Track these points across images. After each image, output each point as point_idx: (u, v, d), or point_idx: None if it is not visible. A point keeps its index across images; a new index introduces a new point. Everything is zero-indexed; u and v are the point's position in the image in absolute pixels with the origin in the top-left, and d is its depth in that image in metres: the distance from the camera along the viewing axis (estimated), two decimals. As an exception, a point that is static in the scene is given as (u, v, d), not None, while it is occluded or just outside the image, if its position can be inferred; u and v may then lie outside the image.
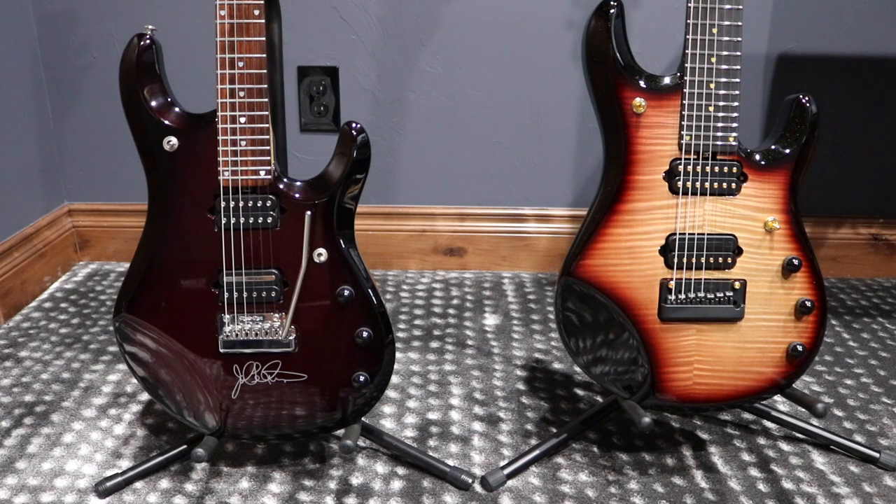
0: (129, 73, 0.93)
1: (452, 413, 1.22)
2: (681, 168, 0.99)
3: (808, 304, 1.01)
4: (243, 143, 0.93)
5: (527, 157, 1.73)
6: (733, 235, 1.01)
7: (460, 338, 1.47)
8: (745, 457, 1.12)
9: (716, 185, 1.00)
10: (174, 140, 0.94)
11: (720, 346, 1.03)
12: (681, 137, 0.98)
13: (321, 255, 0.96)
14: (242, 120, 0.93)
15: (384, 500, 1.02)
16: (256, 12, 0.90)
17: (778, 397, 1.24)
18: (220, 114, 0.92)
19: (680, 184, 0.99)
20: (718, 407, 1.10)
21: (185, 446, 1.07)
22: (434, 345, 1.44)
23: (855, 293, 1.70)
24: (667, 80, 0.98)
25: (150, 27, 0.94)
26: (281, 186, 0.96)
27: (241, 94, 0.92)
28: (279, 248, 0.97)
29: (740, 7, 0.95)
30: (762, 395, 1.06)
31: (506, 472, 1.06)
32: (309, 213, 0.95)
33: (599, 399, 1.27)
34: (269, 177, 0.94)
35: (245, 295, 0.97)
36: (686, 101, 0.97)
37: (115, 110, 1.67)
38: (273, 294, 0.97)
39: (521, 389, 1.29)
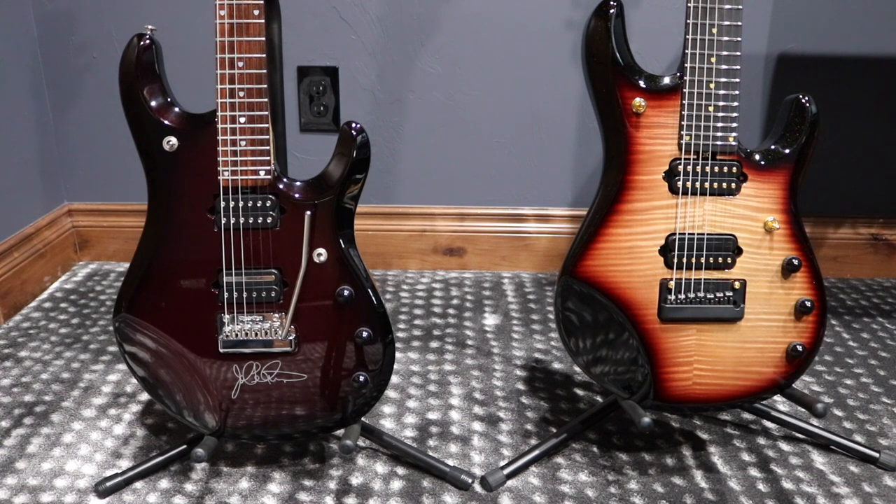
0: (129, 73, 0.93)
1: (452, 413, 1.22)
2: (680, 168, 0.99)
3: (808, 304, 1.01)
4: (243, 143, 0.93)
5: (527, 157, 1.73)
6: (733, 235, 1.01)
7: (460, 338, 1.47)
8: (745, 457, 1.12)
9: (715, 185, 1.00)
10: (174, 140, 0.94)
11: (720, 346, 1.03)
12: (680, 137, 0.98)
13: (321, 255, 0.96)
14: (242, 120, 0.93)
15: (384, 500, 1.02)
16: (256, 12, 0.90)
17: (778, 397, 1.24)
18: (219, 114, 0.92)
19: (680, 184, 0.99)
20: (718, 407, 1.10)
21: (184, 446, 1.07)
22: (434, 345, 1.44)
23: (855, 293, 1.70)
24: (667, 80, 0.98)
25: (149, 27, 0.94)
26: (281, 186, 0.96)
27: (241, 94, 0.92)
28: (279, 248, 0.97)
29: (740, 7, 0.95)
30: (762, 395, 1.06)
31: (505, 472, 1.06)
32: (309, 213, 0.95)
33: (599, 399, 1.27)
34: (268, 177, 0.94)
35: (245, 295, 0.97)
36: (686, 101, 0.97)
37: (115, 110, 1.67)
38: (273, 294, 0.97)
39: (520, 389, 1.29)
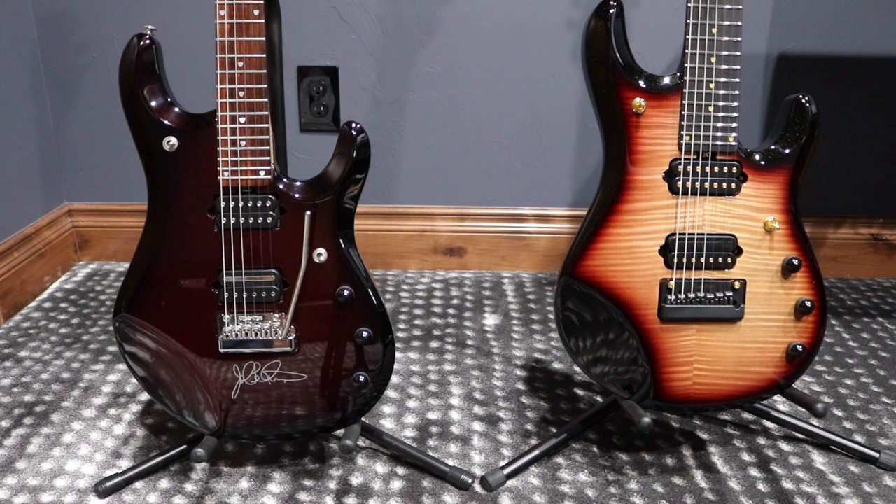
0: (129, 73, 0.93)
1: (452, 413, 1.22)
2: (680, 168, 0.99)
3: (808, 304, 1.01)
4: (243, 143, 0.93)
5: (527, 157, 1.73)
6: (733, 235, 1.01)
7: (460, 338, 1.47)
8: (745, 457, 1.12)
9: (715, 185, 1.00)
10: (174, 140, 0.94)
11: (720, 346, 1.03)
12: (680, 137, 0.98)
13: (321, 255, 0.96)
14: (242, 120, 0.93)
15: (384, 500, 1.02)
16: (256, 12, 0.90)
17: (778, 397, 1.24)
18: (219, 114, 0.92)
19: (680, 184, 0.99)
20: (718, 407, 1.10)
21: (184, 446, 1.07)
22: (434, 345, 1.44)
23: (855, 293, 1.70)
24: (667, 80, 0.98)
25: (149, 27, 0.94)
26: (281, 186, 0.96)
27: (241, 94, 0.92)
28: (279, 248, 0.97)
29: (740, 7, 0.95)
30: (762, 395, 1.06)
31: (505, 472, 1.06)
32: (309, 213, 0.95)
33: (599, 399, 1.27)
34: (268, 177, 0.94)
35: (245, 295, 0.97)
36: (686, 101, 0.97)
37: (115, 110, 1.67)
38: (273, 294, 0.97)
39: (520, 389, 1.29)
